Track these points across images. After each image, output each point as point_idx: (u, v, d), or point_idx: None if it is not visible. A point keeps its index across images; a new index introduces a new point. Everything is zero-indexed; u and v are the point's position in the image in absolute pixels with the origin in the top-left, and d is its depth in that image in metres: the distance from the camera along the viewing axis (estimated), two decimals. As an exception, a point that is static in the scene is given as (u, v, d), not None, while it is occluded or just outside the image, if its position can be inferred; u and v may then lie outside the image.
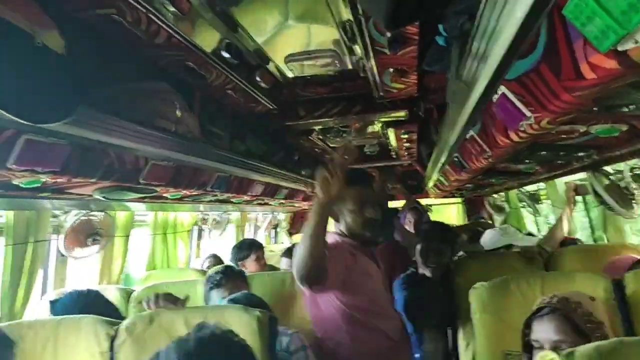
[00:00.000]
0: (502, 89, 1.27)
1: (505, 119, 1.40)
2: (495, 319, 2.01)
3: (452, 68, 1.49)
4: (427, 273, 2.82)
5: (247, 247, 3.74)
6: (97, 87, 1.69)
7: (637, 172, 2.61)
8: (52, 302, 2.42)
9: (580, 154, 2.04)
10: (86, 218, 3.18)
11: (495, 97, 1.37)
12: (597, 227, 3.64)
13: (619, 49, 0.73)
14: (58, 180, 1.95)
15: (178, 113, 2.09)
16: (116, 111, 1.68)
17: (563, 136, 1.70)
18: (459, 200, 7.54)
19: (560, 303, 1.51)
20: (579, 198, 3.89)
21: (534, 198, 4.82)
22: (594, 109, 1.29)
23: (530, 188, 4.87)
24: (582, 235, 4.41)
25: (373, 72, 2.32)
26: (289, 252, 3.75)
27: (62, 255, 3.19)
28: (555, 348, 1.46)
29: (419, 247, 2.82)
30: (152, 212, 4.34)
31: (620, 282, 1.94)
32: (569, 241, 3.42)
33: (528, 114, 1.20)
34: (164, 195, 2.92)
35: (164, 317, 1.84)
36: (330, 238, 2.19)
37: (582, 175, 3.37)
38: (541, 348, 1.49)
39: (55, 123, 1.29)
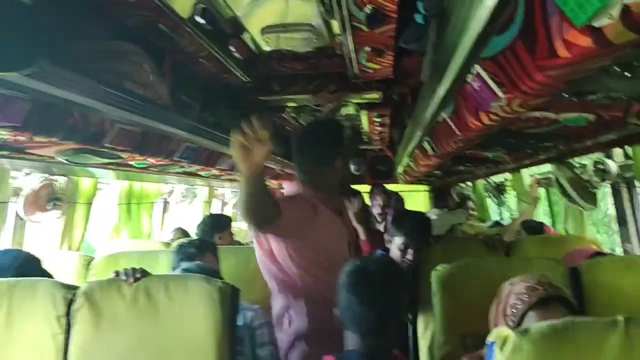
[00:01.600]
0: (478, 68, 1.28)
1: (478, 99, 1.41)
2: (454, 301, 2.03)
3: (428, 46, 1.48)
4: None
5: (225, 220, 3.72)
6: (63, 43, 1.63)
7: (600, 167, 2.68)
8: None
9: (548, 143, 2.07)
10: (48, 182, 3.09)
11: (469, 77, 1.37)
12: (559, 219, 3.73)
13: (594, 24, 0.73)
14: (18, 137, 1.88)
15: (147, 77, 2.03)
16: (82, 69, 1.62)
17: (532, 123, 1.72)
18: (427, 188, 7.62)
19: (556, 289, 1.49)
20: (542, 190, 3.99)
21: (500, 189, 4.91)
22: (565, 95, 1.30)
23: (497, 179, 4.96)
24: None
25: (349, 49, 2.30)
26: None
27: (21, 219, 3.11)
28: None
29: (398, 241, 2.65)
30: (117, 181, 4.26)
31: (576, 269, 1.99)
32: (536, 225, 3.48)
33: (501, 94, 1.21)
34: (130, 162, 2.85)
35: (124, 285, 1.80)
36: (292, 188, 2.19)
37: (547, 168, 3.45)
38: None
39: (12, 72, 1.23)
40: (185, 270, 2.12)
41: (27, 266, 2.19)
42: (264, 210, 1.84)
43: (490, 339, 1.05)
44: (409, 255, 2.60)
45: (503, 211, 5.40)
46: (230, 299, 1.79)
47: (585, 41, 0.78)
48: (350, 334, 1.65)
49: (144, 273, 1.85)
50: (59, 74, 1.50)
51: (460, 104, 1.64)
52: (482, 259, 2.23)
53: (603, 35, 0.75)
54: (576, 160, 2.82)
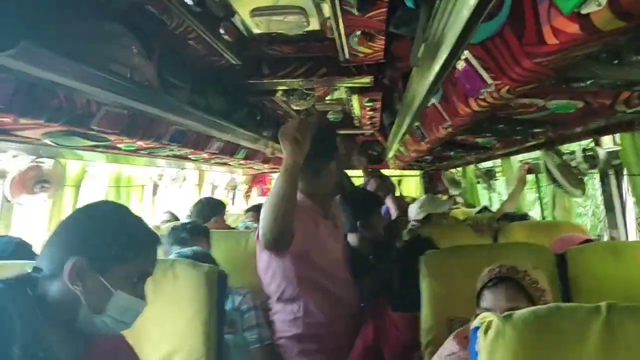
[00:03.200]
0: (466, 54, 1.27)
1: (466, 86, 1.40)
2: (442, 286, 2.05)
3: (418, 30, 1.47)
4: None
5: (220, 204, 3.70)
6: (48, 24, 1.60)
7: (589, 154, 2.69)
8: None
9: (537, 129, 2.08)
10: (35, 164, 3.06)
11: (459, 64, 1.37)
12: (547, 205, 3.75)
13: (582, 11, 0.72)
14: (3, 119, 1.85)
15: (135, 59, 2.00)
16: (67, 51, 1.59)
17: (521, 110, 1.72)
18: (418, 173, 7.65)
19: (509, 271, 1.55)
20: (531, 177, 4.01)
21: (490, 174, 4.93)
22: (553, 82, 1.30)
23: (487, 165, 4.98)
24: (532, 213, 4.57)
25: (340, 33, 2.28)
26: (256, 208, 3.71)
27: (8, 202, 3.08)
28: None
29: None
30: (106, 164, 4.22)
31: (563, 256, 2.00)
32: (519, 216, 3.51)
33: (489, 81, 1.20)
34: (118, 145, 2.82)
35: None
36: None
37: (536, 154, 3.46)
38: None
39: (-2, 53, 1.21)
40: (179, 255, 2.11)
41: (20, 252, 2.18)
42: (288, 223, 1.77)
43: (474, 323, 1.06)
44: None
45: (493, 197, 5.43)
46: (216, 284, 1.79)
47: (572, 28, 0.78)
48: None
49: None
50: (43, 55, 1.48)
51: (449, 89, 1.64)
52: (469, 245, 2.25)
53: (590, 22, 0.74)
54: (565, 147, 2.83)
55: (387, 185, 4.75)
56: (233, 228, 3.97)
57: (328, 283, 2.17)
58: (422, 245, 2.48)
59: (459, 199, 6.11)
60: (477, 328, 1.03)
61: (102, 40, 1.80)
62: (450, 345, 1.70)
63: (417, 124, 2.61)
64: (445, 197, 6.22)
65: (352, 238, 2.77)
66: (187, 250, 2.18)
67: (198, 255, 2.09)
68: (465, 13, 0.99)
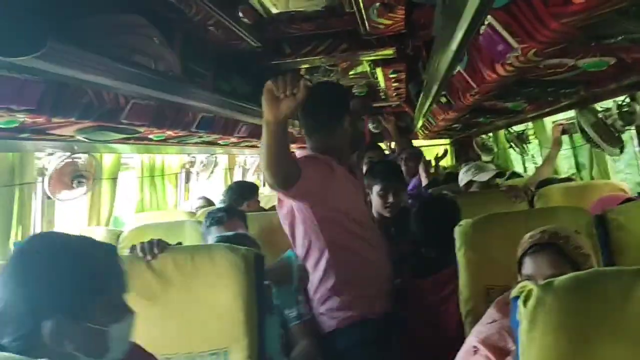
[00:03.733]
0: (489, 19, 1.23)
1: (491, 51, 1.37)
2: (478, 255, 2.03)
3: (439, -1, 1.44)
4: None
5: (253, 187, 3.71)
6: (71, 20, 1.62)
7: (625, 110, 2.60)
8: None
9: (568, 90, 2.01)
10: (70, 160, 3.14)
11: (482, 29, 1.33)
12: (584, 166, 3.65)
13: (609, -33, 0.70)
14: (36, 120, 1.90)
15: (158, 49, 2.02)
16: (91, 46, 1.61)
17: (550, 71, 1.67)
18: (448, 141, 7.54)
19: (551, 237, 1.52)
20: (565, 138, 3.90)
21: (522, 138, 4.82)
22: (582, 40, 1.25)
23: (518, 128, 4.86)
24: (569, 174, 4.46)
25: (359, 6, 2.24)
26: None
27: (49, 198, 3.18)
28: None
29: (377, 188, 2.70)
30: (139, 155, 4.31)
31: (603, 217, 1.95)
32: (561, 181, 3.42)
33: (515, 45, 1.17)
34: (149, 136, 2.87)
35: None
36: (302, 153, 2.14)
37: (570, 114, 3.36)
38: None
39: (25, 57, 1.23)
40: (220, 239, 2.13)
41: None
42: (284, 165, 1.78)
43: (513, 293, 1.05)
44: (390, 198, 2.64)
45: (526, 160, 5.31)
46: (254, 266, 1.81)
47: (599, -16, 0.75)
48: None
49: (163, 245, 1.83)
50: (68, 53, 1.50)
51: (474, 56, 1.60)
52: (504, 212, 2.21)
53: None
54: (599, 105, 2.74)
55: (416, 154, 4.71)
56: (266, 210, 3.98)
57: (353, 226, 2.12)
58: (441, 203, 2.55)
59: (491, 165, 6.00)
60: (517, 298, 1.02)
61: (123, 32, 1.82)
62: (491, 312, 1.68)
63: (443, 92, 2.57)
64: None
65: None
66: (229, 234, 2.21)
67: (239, 237, 2.12)
68: (486, -23, 0.97)
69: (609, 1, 0.81)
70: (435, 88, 2.56)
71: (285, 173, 1.80)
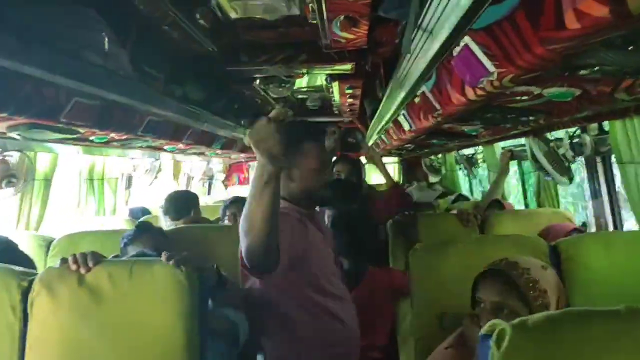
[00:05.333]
0: (466, 39, 1.18)
1: (464, 74, 1.32)
2: (431, 281, 1.99)
3: (411, 15, 1.38)
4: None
5: (191, 199, 3.44)
6: (14, 8, 1.46)
7: (576, 141, 2.65)
8: None
9: (528, 117, 2.02)
10: (1, 158, 2.89)
11: (457, 50, 1.29)
12: (531, 193, 3.73)
13: (618, -8, 0.65)
14: (-38, 113, 1.71)
15: (107, 46, 1.87)
16: (35, 37, 1.46)
17: (516, 98, 1.65)
18: (397, 160, 7.60)
19: (506, 266, 1.50)
20: (514, 164, 3.98)
21: (471, 161, 4.89)
22: (555, 69, 1.23)
23: (467, 151, 4.94)
24: (514, 201, 4.55)
25: (323, 17, 2.18)
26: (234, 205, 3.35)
27: (-27, 198, 2.92)
28: (495, 309, 1.46)
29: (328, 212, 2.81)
30: (79, 157, 4.06)
31: (555, 247, 1.95)
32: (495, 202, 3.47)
33: (492, 69, 1.12)
34: (90, 137, 2.68)
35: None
36: None
37: (519, 140, 3.42)
38: (484, 307, 1.49)
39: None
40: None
41: (9, 251, 2.12)
42: (275, 239, 1.48)
43: (483, 330, 0.99)
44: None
45: (474, 183, 5.40)
46: (198, 286, 1.68)
47: (602, 11, 0.70)
48: None
49: (98, 258, 1.67)
50: (8, 43, 1.35)
51: (443, 77, 1.55)
52: (458, 239, 2.19)
53: (624, 5, 0.67)
54: (551, 134, 2.79)
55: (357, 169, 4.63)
56: (211, 221, 3.79)
57: (320, 291, 1.92)
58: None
59: (438, 187, 6.07)
60: (486, 336, 0.96)
61: (73, 25, 1.67)
62: (449, 339, 1.65)
63: (403, 112, 2.53)
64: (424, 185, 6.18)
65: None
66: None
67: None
68: (470, -4, 0.91)
69: (605, 30, 0.76)
70: (394, 106, 2.53)
71: (269, 256, 1.51)
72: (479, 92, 1.34)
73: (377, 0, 1.98)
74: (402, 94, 2.12)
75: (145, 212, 4.50)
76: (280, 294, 1.89)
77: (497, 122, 2.23)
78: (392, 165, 7.76)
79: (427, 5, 1.27)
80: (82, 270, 1.64)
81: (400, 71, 1.85)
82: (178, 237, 2.50)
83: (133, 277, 1.67)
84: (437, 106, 1.79)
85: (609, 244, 1.90)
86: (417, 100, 2.10)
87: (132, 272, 1.67)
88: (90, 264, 1.66)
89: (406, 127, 2.66)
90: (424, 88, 1.84)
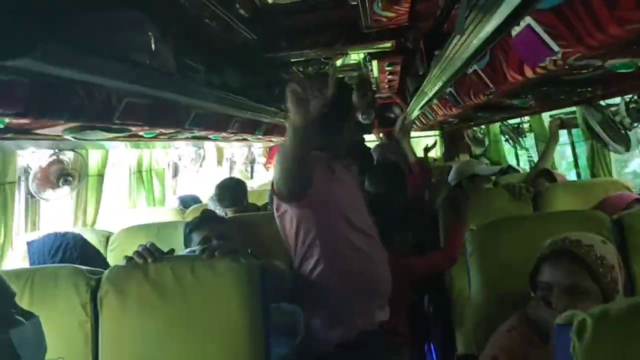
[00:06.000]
0: (528, 19, 1.13)
1: (523, 53, 1.27)
2: (490, 262, 1.95)
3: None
4: None
5: (241, 194, 3.47)
6: (63, 18, 1.48)
7: (633, 107, 2.53)
8: (29, 243, 2.32)
9: (586, 89, 1.94)
10: (56, 158, 2.98)
11: (516, 30, 1.23)
12: (584, 162, 3.59)
13: None
14: (22, 121, 1.76)
15: (153, 45, 1.89)
16: (84, 44, 1.48)
17: (575, 71, 1.58)
18: (438, 133, 7.45)
19: (572, 245, 1.45)
20: (563, 132, 3.84)
21: (518, 131, 4.75)
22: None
23: (514, 121, 4.79)
24: (564, 171, 4.40)
25: (364, -1, 2.14)
26: None
27: (33, 197, 3.03)
28: (565, 291, 1.42)
29: None
30: (127, 151, 4.15)
31: (619, 221, 1.88)
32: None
33: (556, 48, 1.07)
34: (139, 133, 2.73)
35: (151, 268, 1.72)
36: None
37: (570, 108, 3.29)
38: (549, 290, 1.45)
39: (17, 59, 1.11)
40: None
41: (84, 248, 2.26)
42: (305, 172, 1.70)
43: (560, 320, 0.96)
44: None
45: (521, 154, 5.24)
46: (259, 277, 1.71)
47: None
48: None
49: (157, 251, 1.76)
50: (61, 54, 1.38)
51: (498, 56, 1.50)
52: (519, 216, 2.13)
53: None
54: (606, 101, 2.66)
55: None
56: (258, 207, 3.81)
57: (354, 235, 1.99)
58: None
59: (483, 159, 5.93)
60: (564, 325, 0.93)
61: (120, 29, 1.69)
62: (511, 320, 1.62)
63: (450, 89, 2.47)
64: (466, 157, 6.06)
65: None
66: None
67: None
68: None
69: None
70: (440, 83, 2.46)
71: (302, 182, 1.73)
72: (539, 70, 1.29)
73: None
74: (450, 72, 2.06)
75: (197, 200, 4.57)
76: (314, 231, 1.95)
77: (551, 95, 2.15)
78: (434, 138, 7.62)
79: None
80: (150, 260, 1.72)
81: (449, 50, 1.80)
82: (238, 225, 2.53)
83: (195, 272, 1.71)
84: (490, 84, 1.74)
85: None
86: (467, 77, 2.04)
87: (194, 267, 1.71)
88: (154, 252, 1.73)
89: (453, 103, 2.60)
90: (475, 66, 1.78)
